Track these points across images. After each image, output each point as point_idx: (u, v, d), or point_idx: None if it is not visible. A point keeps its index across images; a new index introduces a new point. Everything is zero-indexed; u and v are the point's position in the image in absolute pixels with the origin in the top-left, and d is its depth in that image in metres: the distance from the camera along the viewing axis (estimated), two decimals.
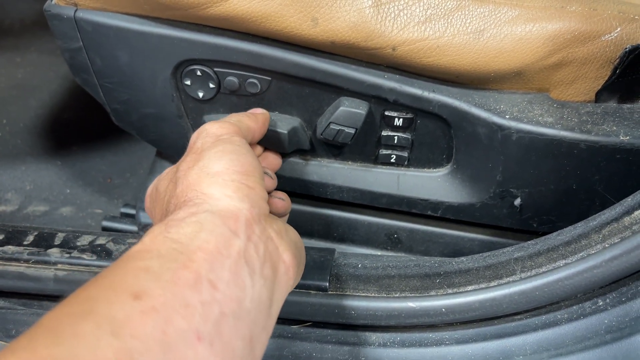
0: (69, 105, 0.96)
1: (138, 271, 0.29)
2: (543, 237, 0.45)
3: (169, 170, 0.43)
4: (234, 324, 0.30)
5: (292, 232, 0.40)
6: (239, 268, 0.32)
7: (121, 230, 0.64)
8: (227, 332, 0.29)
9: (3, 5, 1.16)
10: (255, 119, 0.47)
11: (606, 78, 0.49)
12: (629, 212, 0.40)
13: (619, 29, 0.47)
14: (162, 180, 0.42)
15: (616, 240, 0.39)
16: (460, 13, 0.46)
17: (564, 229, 0.44)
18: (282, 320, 0.47)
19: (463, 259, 0.47)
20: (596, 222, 0.42)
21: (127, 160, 0.84)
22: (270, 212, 0.40)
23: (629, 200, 0.41)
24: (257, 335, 0.32)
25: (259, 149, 0.53)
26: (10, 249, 0.49)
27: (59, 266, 0.48)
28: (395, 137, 0.53)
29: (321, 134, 0.52)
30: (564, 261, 0.41)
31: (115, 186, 0.80)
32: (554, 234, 0.44)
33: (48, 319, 0.26)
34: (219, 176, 0.36)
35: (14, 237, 0.51)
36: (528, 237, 0.58)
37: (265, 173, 0.45)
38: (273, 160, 0.54)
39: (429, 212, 0.56)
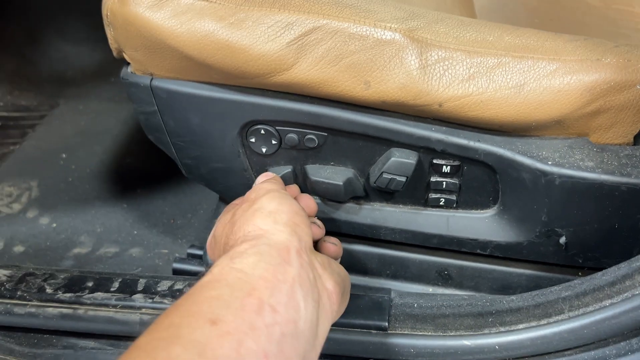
0: (131, 150, 1.03)
1: (211, 300, 0.34)
2: (588, 277, 0.48)
3: (222, 219, 0.50)
4: (292, 343, 0.35)
5: (336, 265, 0.46)
6: (294, 292, 0.37)
7: (190, 272, 0.70)
8: (287, 350, 0.35)
9: (67, 57, 1.25)
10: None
11: None
12: None
13: None
14: (218, 228, 0.49)
15: None
16: (501, 70, 0.50)
17: (608, 269, 0.47)
18: (347, 358, 0.51)
19: (513, 297, 0.50)
20: (639, 263, 0.44)
21: (188, 202, 0.90)
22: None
23: None
24: (308, 353, 0.37)
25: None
26: (99, 295, 0.55)
27: (144, 310, 0.54)
28: (444, 183, 0.57)
29: (374, 183, 0.56)
30: (609, 301, 0.44)
31: (179, 227, 0.86)
32: (599, 274, 0.47)
33: (142, 343, 0.31)
34: (272, 215, 0.43)
35: (102, 283, 0.57)
36: (574, 272, 0.61)
37: (313, 222, 0.51)
38: (307, 200, 0.57)
39: (479, 251, 0.59)
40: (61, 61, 1.28)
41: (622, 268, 0.45)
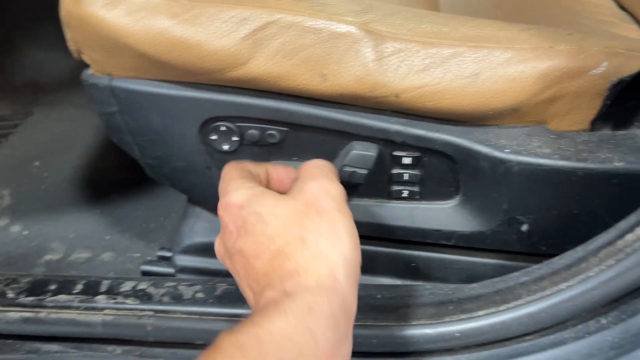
0: (104, 156, 1.03)
1: None
2: (547, 262, 0.48)
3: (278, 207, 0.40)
4: None
5: None
6: None
7: (159, 274, 0.69)
8: None
9: (41, 64, 1.25)
10: None
11: (598, 108, 0.52)
12: (621, 235, 0.43)
13: (605, 63, 0.50)
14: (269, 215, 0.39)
15: (612, 263, 0.42)
16: (456, 59, 0.51)
17: (566, 252, 0.47)
18: None
19: (474, 285, 0.50)
20: (594, 245, 0.45)
21: (161, 205, 0.90)
22: None
23: (622, 224, 0.44)
24: None
25: None
26: (62, 297, 0.55)
27: (106, 311, 0.53)
28: (405, 174, 0.57)
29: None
30: (565, 284, 0.44)
31: (151, 230, 0.85)
32: (557, 257, 0.48)
33: None
34: (345, 259, 0.36)
35: (65, 286, 0.56)
36: (539, 259, 0.61)
37: None
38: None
39: (443, 242, 0.60)
40: (35, 69, 1.27)
41: (579, 251, 0.46)
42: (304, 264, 0.35)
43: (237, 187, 0.41)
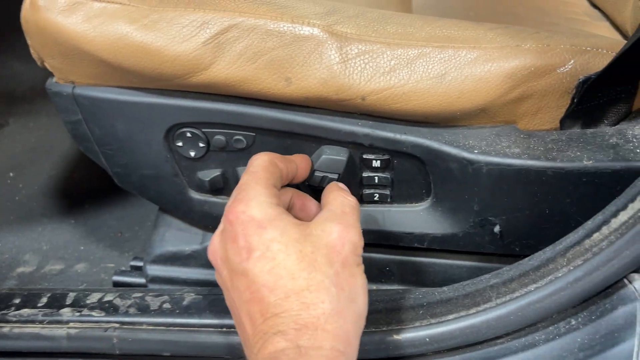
0: (78, 165, 1.01)
1: None
2: (516, 263, 0.47)
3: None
4: None
5: None
6: None
7: (131, 284, 0.68)
8: None
9: (16, 74, 1.23)
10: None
11: (567, 107, 0.52)
12: (588, 235, 0.42)
13: (572, 61, 0.50)
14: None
15: (579, 262, 0.41)
16: (422, 60, 0.50)
17: (535, 254, 0.47)
18: None
19: (445, 288, 0.50)
20: (562, 245, 0.44)
21: (135, 214, 0.88)
22: None
23: (589, 224, 0.43)
24: None
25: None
26: (26, 311, 0.53)
27: (71, 325, 0.52)
28: (376, 177, 0.56)
29: (307, 182, 0.55)
30: (534, 285, 0.43)
31: (126, 239, 0.84)
32: (526, 259, 0.47)
33: None
34: (359, 326, 0.38)
35: (29, 300, 0.55)
36: (514, 260, 0.60)
37: None
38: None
39: (416, 244, 0.59)
40: (10, 78, 1.25)
41: (547, 252, 0.45)
42: (323, 319, 0.36)
43: (261, 200, 0.40)
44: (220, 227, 0.42)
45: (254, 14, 0.49)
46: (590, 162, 0.49)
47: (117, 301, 0.53)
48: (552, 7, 0.77)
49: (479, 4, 0.78)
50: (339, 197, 0.45)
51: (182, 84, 0.51)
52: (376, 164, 0.55)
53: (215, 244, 0.42)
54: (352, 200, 0.45)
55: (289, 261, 0.37)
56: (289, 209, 0.49)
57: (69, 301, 0.54)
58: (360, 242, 0.41)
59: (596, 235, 0.41)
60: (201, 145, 0.56)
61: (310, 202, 0.50)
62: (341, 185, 0.49)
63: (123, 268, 0.76)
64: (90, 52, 0.50)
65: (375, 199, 0.58)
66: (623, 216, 0.40)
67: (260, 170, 0.44)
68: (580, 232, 0.44)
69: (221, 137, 0.55)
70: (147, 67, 0.50)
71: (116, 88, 0.54)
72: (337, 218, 0.41)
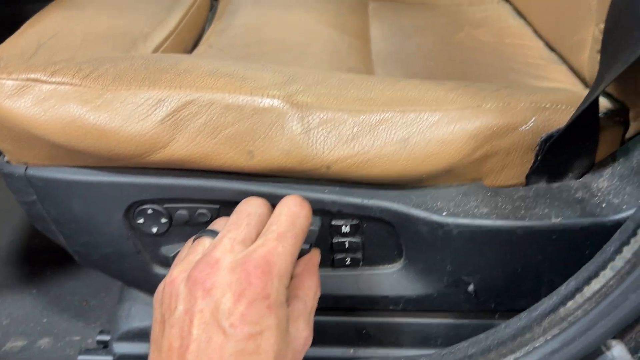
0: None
1: None
2: (493, 330, 0.46)
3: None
4: None
5: None
6: None
7: None
8: None
9: None
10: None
11: (532, 163, 0.52)
12: (563, 302, 0.42)
13: (533, 119, 0.50)
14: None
15: (556, 332, 0.41)
16: (384, 126, 0.50)
17: (510, 320, 0.46)
18: None
19: (423, 358, 0.48)
20: (537, 312, 0.44)
21: (101, 279, 0.85)
22: None
23: (562, 290, 0.43)
24: None
25: None
26: None
27: None
28: (346, 242, 0.55)
29: None
30: (512, 356, 0.42)
31: (92, 308, 0.81)
32: (502, 326, 0.46)
33: None
34: None
35: None
36: (491, 315, 0.60)
37: None
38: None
39: (392, 307, 0.58)
40: None
41: (523, 319, 0.45)
42: None
43: (284, 281, 0.38)
44: (235, 263, 0.38)
45: (211, 88, 0.48)
46: (559, 219, 0.49)
47: None
48: (510, 52, 0.78)
49: (438, 52, 0.79)
50: (314, 285, 0.43)
51: (140, 163, 0.49)
52: (346, 229, 0.54)
53: (218, 275, 0.37)
54: (318, 290, 0.44)
55: (267, 356, 0.36)
56: None
57: None
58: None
59: (570, 304, 0.41)
60: (163, 221, 0.54)
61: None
62: (315, 261, 0.47)
63: (90, 341, 0.72)
64: (41, 136, 0.48)
65: (347, 263, 0.57)
66: (595, 284, 0.40)
67: (301, 237, 0.42)
68: (554, 298, 0.43)
69: (184, 212, 0.53)
70: (102, 149, 0.48)
71: (71, 168, 0.52)
72: (307, 319, 0.40)
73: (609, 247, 0.40)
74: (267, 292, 0.37)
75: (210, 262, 0.38)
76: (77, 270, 0.87)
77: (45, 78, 0.48)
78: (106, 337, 0.67)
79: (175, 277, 0.39)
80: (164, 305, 0.38)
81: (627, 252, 0.38)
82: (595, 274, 0.40)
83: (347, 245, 0.55)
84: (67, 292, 0.84)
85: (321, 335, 0.62)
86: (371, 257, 0.57)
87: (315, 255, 0.47)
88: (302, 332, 0.39)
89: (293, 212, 0.42)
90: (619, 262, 0.39)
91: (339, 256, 0.56)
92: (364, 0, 0.98)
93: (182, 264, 0.40)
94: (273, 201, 0.52)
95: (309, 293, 0.42)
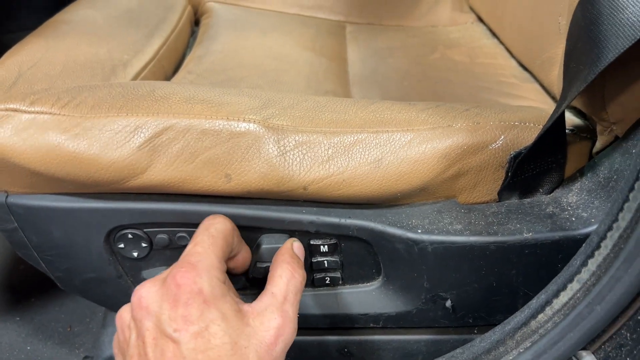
0: None
1: None
2: (468, 345, 0.47)
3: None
4: None
5: None
6: None
7: None
8: None
9: None
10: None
11: (503, 180, 0.53)
12: (534, 315, 0.43)
13: (502, 137, 0.52)
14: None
15: (528, 345, 0.42)
16: (358, 147, 0.51)
17: (485, 334, 0.47)
18: None
19: None
20: (510, 326, 0.45)
21: (85, 305, 0.85)
22: None
23: (533, 303, 0.44)
24: None
25: None
26: None
27: None
28: (325, 262, 0.56)
29: (251, 275, 0.55)
30: None
31: (76, 334, 0.81)
32: (477, 340, 0.47)
33: None
34: None
35: None
36: (470, 330, 0.61)
37: None
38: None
39: (372, 325, 0.58)
40: None
41: (497, 332, 0.46)
42: None
43: (213, 275, 0.41)
44: (163, 279, 0.41)
45: (188, 114, 0.49)
46: (530, 234, 0.51)
47: None
48: (483, 72, 0.80)
49: (412, 72, 0.81)
50: (286, 273, 0.45)
51: (119, 188, 0.50)
52: (324, 249, 0.55)
53: (151, 292, 0.41)
54: (298, 279, 0.45)
55: (223, 350, 0.37)
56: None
57: None
58: (292, 338, 0.41)
59: (541, 317, 0.42)
60: (144, 245, 0.54)
61: (240, 252, 0.50)
62: (295, 251, 0.49)
63: None
64: (21, 165, 0.49)
65: (327, 282, 0.58)
66: (563, 297, 0.41)
67: (221, 238, 0.44)
68: (526, 311, 0.44)
69: (164, 236, 0.54)
70: (81, 176, 0.49)
71: (52, 195, 0.52)
72: (278, 308, 0.41)
73: (576, 261, 0.42)
74: (199, 287, 0.39)
75: (144, 292, 0.41)
76: (62, 296, 0.87)
77: (24, 108, 0.49)
78: None
79: (123, 315, 0.43)
80: (121, 342, 0.42)
81: (592, 264, 0.40)
82: (564, 287, 0.41)
83: (326, 265, 0.56)
84: (51, 319, 0.84)
85: (303, 354, 0.62)
86: (350, 275, 0.58)
87: (286, 247, 0.49)
88: (270, 322, 0.40)
89: (205, 223, 0.46)
90: (584, 274, 0.40)
91: (318, 275, 0.57)
92: (341, 23, 1.00)
93: (127, 306, 0.43)
94: (251, 223, 0.53)
95: (279, 282, 0.44)
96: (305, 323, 0.59)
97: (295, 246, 0.50)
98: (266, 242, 0.53)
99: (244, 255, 0.51)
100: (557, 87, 0.70)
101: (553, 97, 0.71)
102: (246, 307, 0.42)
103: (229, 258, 0.49)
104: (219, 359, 0.37)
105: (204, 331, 0.37)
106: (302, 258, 0.50)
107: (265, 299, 0.43)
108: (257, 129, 0.50)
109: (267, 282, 0.46)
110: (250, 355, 0.38)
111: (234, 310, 0.40)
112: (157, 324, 0.38)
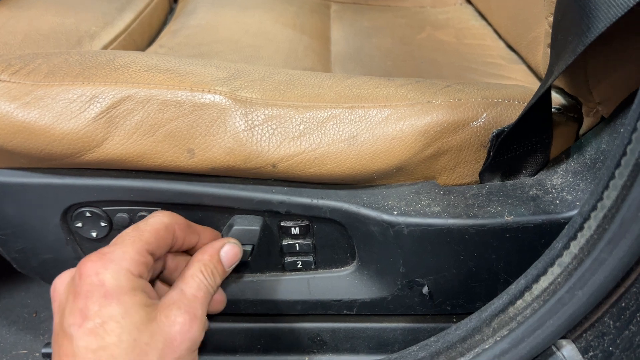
0: None
1: None
2: (443, 332, 0.45)
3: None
4: None
5: None
6: None
7: None
8: None
9: None
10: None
11: (484, 160, 0.50)
12: (512, 302, 0.40)
13: (484, 114, 0.49)
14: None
15: (505, 333, 0.39)
16: (332, 122, 0.48)
17: (461, 322, 0.44)
18: None
19: None
20: (487, 313, 0.42)
21: None
22: None
23: (512, 289, 0.41)
24: None
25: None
26: None
27: None
28: (297, 245, 0.53)
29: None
30: (461, 359, 0.41)
31: (42, 320, 0.77)
32: (453, 327, 0.44)
33: None
34: None
35: None
36: (448, 318, 0.58)
37: None
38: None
39: (345, 311, 0.56)
40: None
41: (473, 320, 0.43)
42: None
43: (122, 266, 0.38)
44: (75, 271, 0.39)
45: (148, 84, 0.46)
46: (512, 217, 0.48)
47: None
48: (469, 52, 0.77)
49: (397, 52, 0.78)
50: (197, 275, 0.43)
51: (74, 163, 0.47)
52: (295, 231, 0.52)
53: (62, 282, 0.40)
54: (210, 282, 0.43)
55: (118, 348, 0.35)
56: (162, 270, 0.46)
57: None
58: (200, 337, 0.40)
59: (519, 303, 0.39)
60: (103, 224, 0.51)
61: (183, 262, 0.47)
62: (222, 255, 0.46)
63: (37, 354, 0.69)
64: None
65: (299, 266, 0.55)
66: (544, 282, 0.38)
67: (149, 232, 0.42)
68: (504, 297, 0.41)
69: (124, 215, 0.51)
70: (33, 148, 0.45)
71: (3, 169, 0.49)
72: (185, 305, 0.40)
73: (557, 244, 0.39)
74: (100, 279, 0.37)
75: (57, 281, 0.41)
76: (29, 280, 0.84)
77: None
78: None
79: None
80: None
81: (574, 247, 0.37)
82: (544, 271, 0.39)
83: (297, 248, 0.53)
84: (17, 304, 0.80)
85: (275, 341, 0.59)
86: (323, 259, 0.55)
87: (212, 246, 0.47)
88: (176, 318, 0.38)
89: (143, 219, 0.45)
90: (566, 258, 0.37)
91: (289, 259, 0.54)
92: (326, 2, 0.97)
93: None
94: (217, 202, 0.50)
95: (189, 282, 0.42)
96: (276, 309, 0.56)
97: (224, 249, 0.47)
98: (238, 223, 0.50)
99: (208, 240, 0.48)
100: (542, 67, 0.67)
101: (540, 78, 0.69)
102: (156, 303, 0.40)
103: (190, 247, 0.47)
104: (112, 358, 0.35)
105: (99, 328, 0.35)
106: (231, 264, 0.47)
107: (174, 295, 0.41)
108: (223, 101, 0.47)
109: (179, 277, 0.43)
110: (150, 352, 0.36)
111: (140, 305, 0.37)
112: (61, 320, 0.37)
